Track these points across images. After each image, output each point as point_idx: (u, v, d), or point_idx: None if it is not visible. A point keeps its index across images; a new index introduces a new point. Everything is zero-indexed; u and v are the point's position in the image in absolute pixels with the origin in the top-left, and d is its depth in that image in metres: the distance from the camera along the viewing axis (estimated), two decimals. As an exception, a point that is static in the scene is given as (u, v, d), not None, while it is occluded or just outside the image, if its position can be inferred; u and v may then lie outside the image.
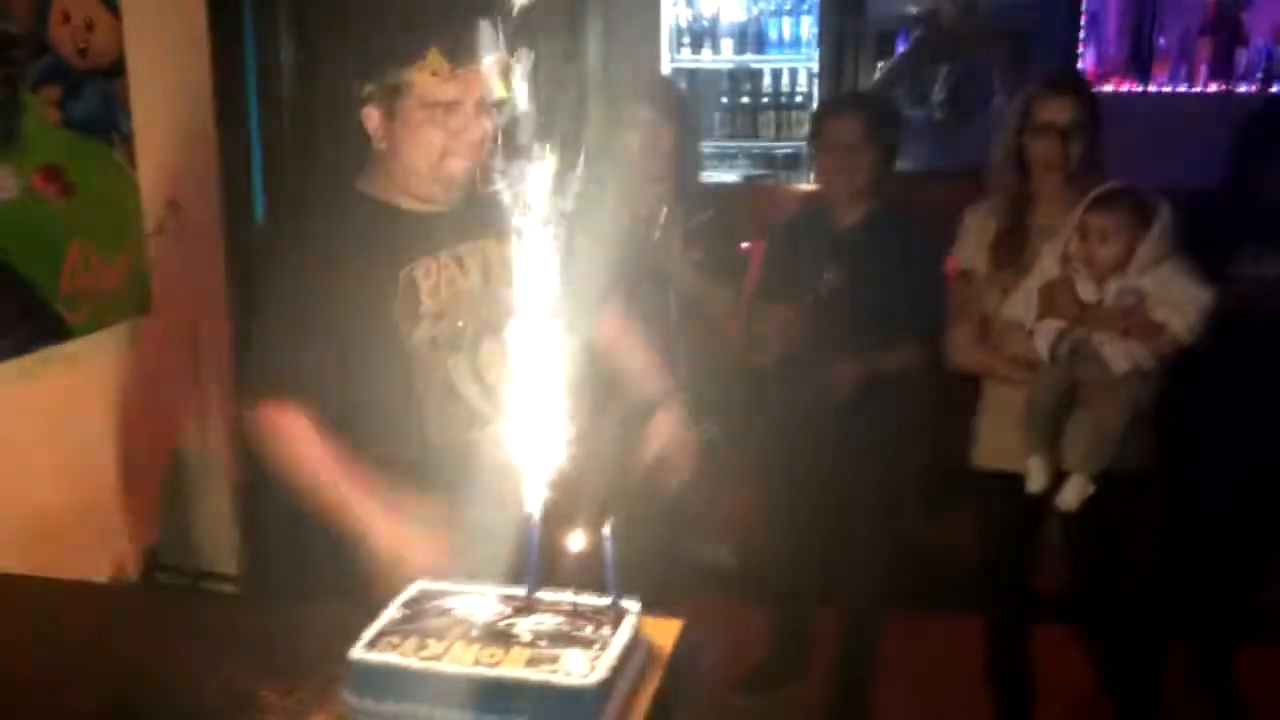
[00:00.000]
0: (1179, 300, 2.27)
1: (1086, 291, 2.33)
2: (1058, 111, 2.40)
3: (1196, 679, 2.96)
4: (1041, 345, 2.37)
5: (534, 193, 1.53)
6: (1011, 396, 2.44)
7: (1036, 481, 2.40)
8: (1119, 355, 2.31)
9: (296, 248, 1.91)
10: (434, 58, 1.80)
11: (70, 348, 2.18)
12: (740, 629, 3.04)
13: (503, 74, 1.85)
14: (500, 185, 1.93)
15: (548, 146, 1.46)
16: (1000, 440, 2.49)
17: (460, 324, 1.91)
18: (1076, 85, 2.53)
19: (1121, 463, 2.37)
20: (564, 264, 1.43)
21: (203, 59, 2.55)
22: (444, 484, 1.90)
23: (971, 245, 2.53)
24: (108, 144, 2.25)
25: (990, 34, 4.06)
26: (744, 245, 2.98)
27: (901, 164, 4.10)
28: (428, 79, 1.81)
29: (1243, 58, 4.93)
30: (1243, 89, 4.83)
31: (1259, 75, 4.82)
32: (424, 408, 1.90)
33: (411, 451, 1.91)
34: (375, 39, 2.34)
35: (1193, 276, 2.28)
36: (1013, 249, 2.44)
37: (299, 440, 1.82)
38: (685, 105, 2.94)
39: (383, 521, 1.79)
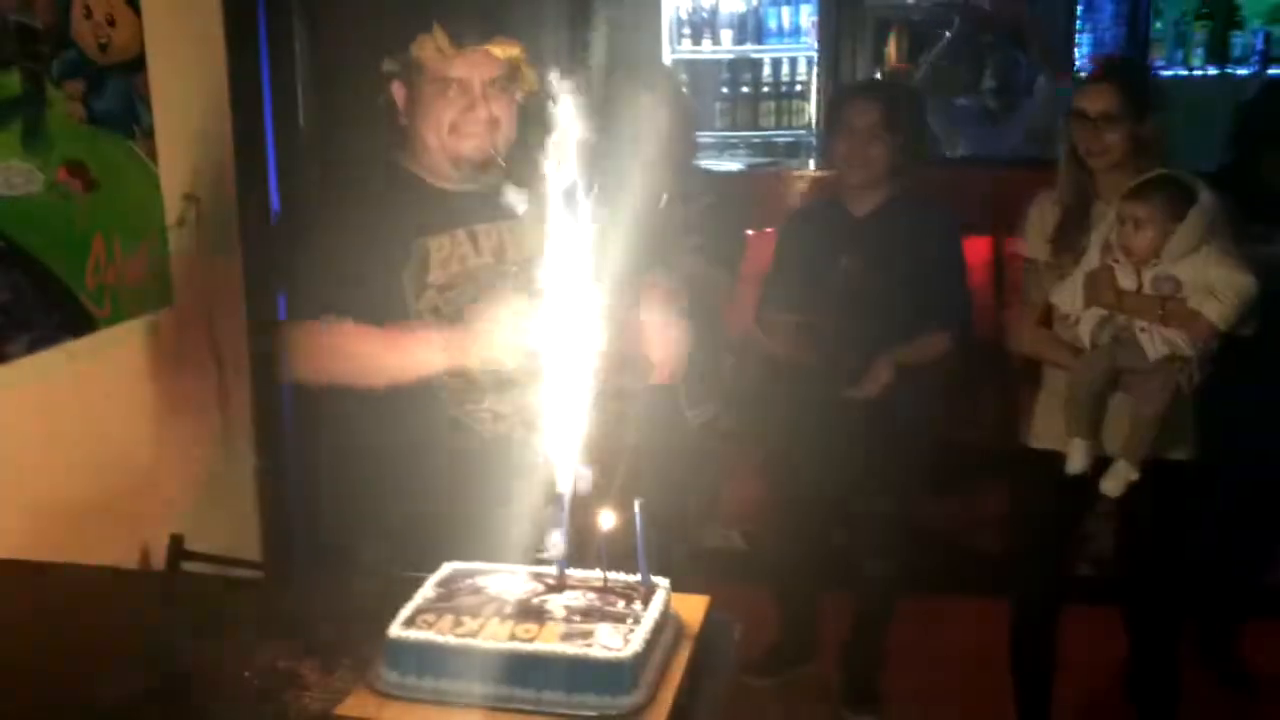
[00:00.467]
0: (1216, 287, 2.30)
1: (1126, 279, 2.37)
2: (1091, 100, 2.45)
3: (1201, 654, 3.01)
4: (1083, 332, 2.42)
5: (551, 178, 1.58)
6: (1063, 381, 2.51)
7: (1076, 463, 2.45)
8: (1155, 342, 2.35)
9: (332, 203, 2.04)
10: (438, 34, 1.90)
11: (95, 339, 2.21)
12: (751, 612, 3.07)
13: (526, 65, 1.93)
14: (520, 169, 2.01)
15: (556, 135, 1.51)
16: (1049, 422, 2.55)
17: (470, 296, 1.96)
18: (1116, 74, 2.55)
19: (1165, 450, 2.42)
20: (585, 245, 1.46)
21: (219, 54, 2.58)
22: (453, 453, 1.96)
23: (1034, 233, 2.58)
24: (129, 138, 2.28)
25: (1032, 18, 4.05)
26: (748, 233, 3.01)
27: (952, 151, 4.14)
28: (435, 55, 1.90)
29: (1238, 41, 4.96)
30: (1241, 72, 4.86)
31: (1256, 58, 4.84)
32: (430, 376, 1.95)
33: (426, 416, 1.98)
34: (390, 19, 2.42)
35: (1232, 263, 2.31)
36: (1072, 237, 2.49)
37: (343, 330, 1.88)
38: (680, 91, 2.96)
39: (451, 332, 1.88)
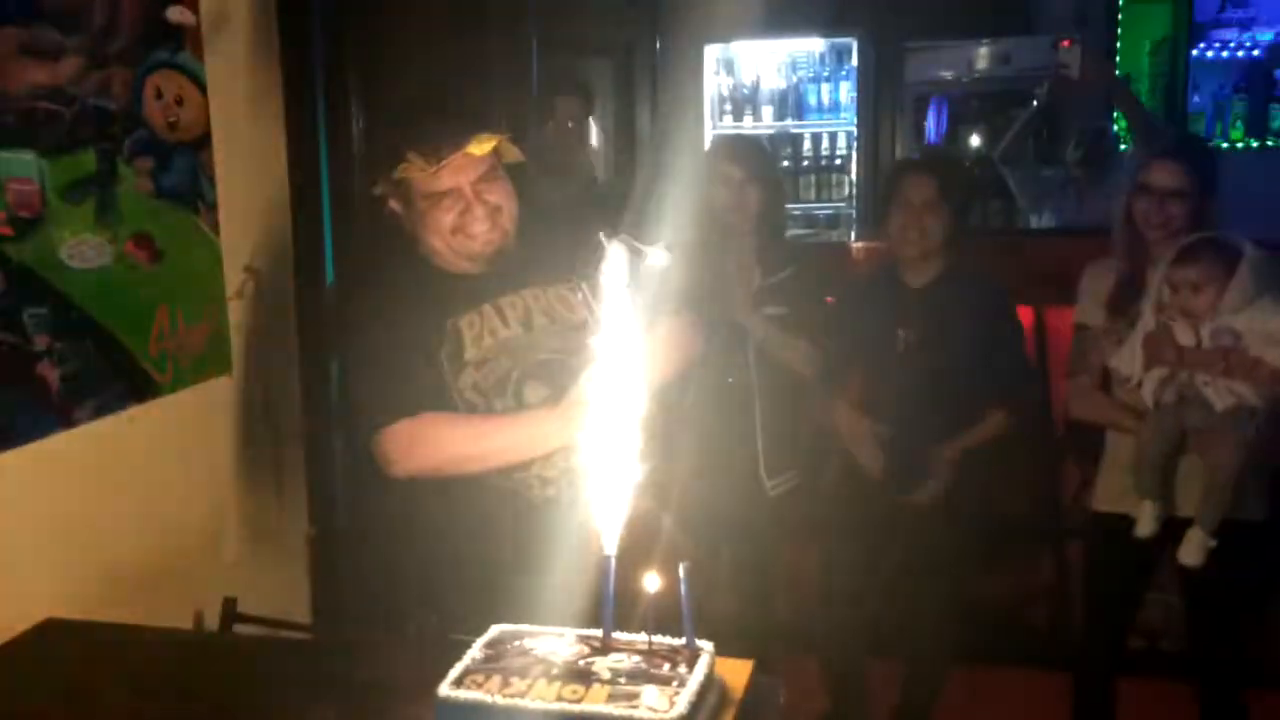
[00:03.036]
0: (1275, 335, 2.32)
1: (1185, 337, 2.40)
2: (1159, 176, 2.51)
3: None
4: (1147, 393, 2.43)
5: (601, 257, 1.63)
6: (1128, 444, 2.52)
7: (1146, 526, 2.45)
8: (1221, 392, 2.36)
9: (370, 300, 2.10)
10: (414, 159, 1.94)
11: (156, 405, 2.27)
12: (799, 680, 3.06)
13: (505, 144, 1.99)
14: (536, 238, 2.07)
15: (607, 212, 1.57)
16: (1113, 486, 2.56)
17: (506, 368, 2.02)
18: (1187, 153, 2.63)
19: (1239, 512, 2.41)
20: (623, 312, 1.50)
21: (279, 134, 2.68)
22: (505, 518, 2.00)
23: (1089, 300, 2.62)
24: (194, 212, 2.37)
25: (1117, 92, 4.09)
26: (829, 300, 3.05)
27: (1037, 222, 4.16)
28: (420, 175, 1.95)
29: (1276, 115, 4.99)
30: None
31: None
32: None
33: (476, 489, 2.03)
34: (374, 143, 2.51)
35: None
36: (1126, 303, 2.52)
37: (442, 425, 1.98)
38: (773, 166, 3.03)
39: (546, 409, 1.96)
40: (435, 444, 1.98)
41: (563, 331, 2.05)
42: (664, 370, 2.08)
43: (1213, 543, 2.38)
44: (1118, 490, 2.55)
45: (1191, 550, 2.40)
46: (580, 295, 2.05)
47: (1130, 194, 2.56)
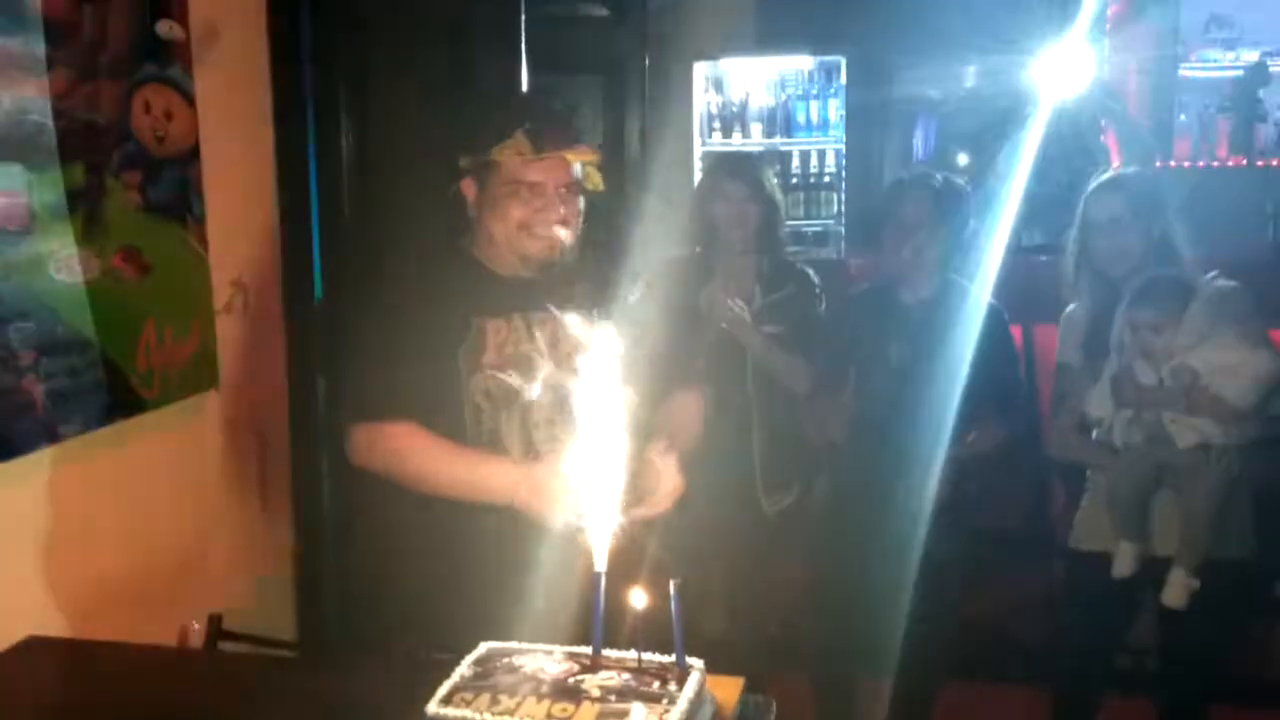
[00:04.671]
0: (1231, 369, 2.32)
1: (1146, 377, 2.41)
2: (1098, 209, 2.51)
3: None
4: (1115, 434, 2.44)
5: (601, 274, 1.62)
6: (1105, 484, 2.53)
7: (1123, 567, 2.46)
8: (1184, 431, 2.37)
9: (393, 290, 2.10)
10: (519, 139, 1.97)
11: (143, 420, 2.26)
12: (791, 697, 3.04)
13: (597, 167, 2.03)
14: (581, 265, 2.09)
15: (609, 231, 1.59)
16: (1093, 524, 2.56)
17: (519, 383, 2.01)
18: (1124, 183, 2.61)
19: (1222, 551, 2.40)
20: (631, 343, 1.51)
21: (268, 148, 2.68)
22: (483, 539, 2.00)
23: (1067, 342, 2.64)
24: (182, 226, 2.36)
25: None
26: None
27: (1030, 240, 4.16)
28: (514, 159, 1.97)
29: (1261, 133, 5.03)
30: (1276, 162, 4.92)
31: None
32: None
33: (453, 508, 2.01)
34: (469, 119, 2.53)
35: (1248, 343, 2.34)
36: (1099, 344, 2.53)
37: (411, 439, 1.99)
38: (772, 184, 3.05)
39: (515, 466, 1.96)
40: (398, 457, 2.00)
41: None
42: (680, 443, 2.08)
43: (1195, 583, 2.38)
44: (1097, 528, 2.55)
45: (1174, 592, 2.39)
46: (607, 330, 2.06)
47: (1081, 231, 2.56)
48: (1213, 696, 2.60)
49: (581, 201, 2.07)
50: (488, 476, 1.96)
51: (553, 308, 2.05)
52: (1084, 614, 2.67)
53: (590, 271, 2.13)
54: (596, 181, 2.10)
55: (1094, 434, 2.54)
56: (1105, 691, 2.70)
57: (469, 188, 2.08)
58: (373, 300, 2.11)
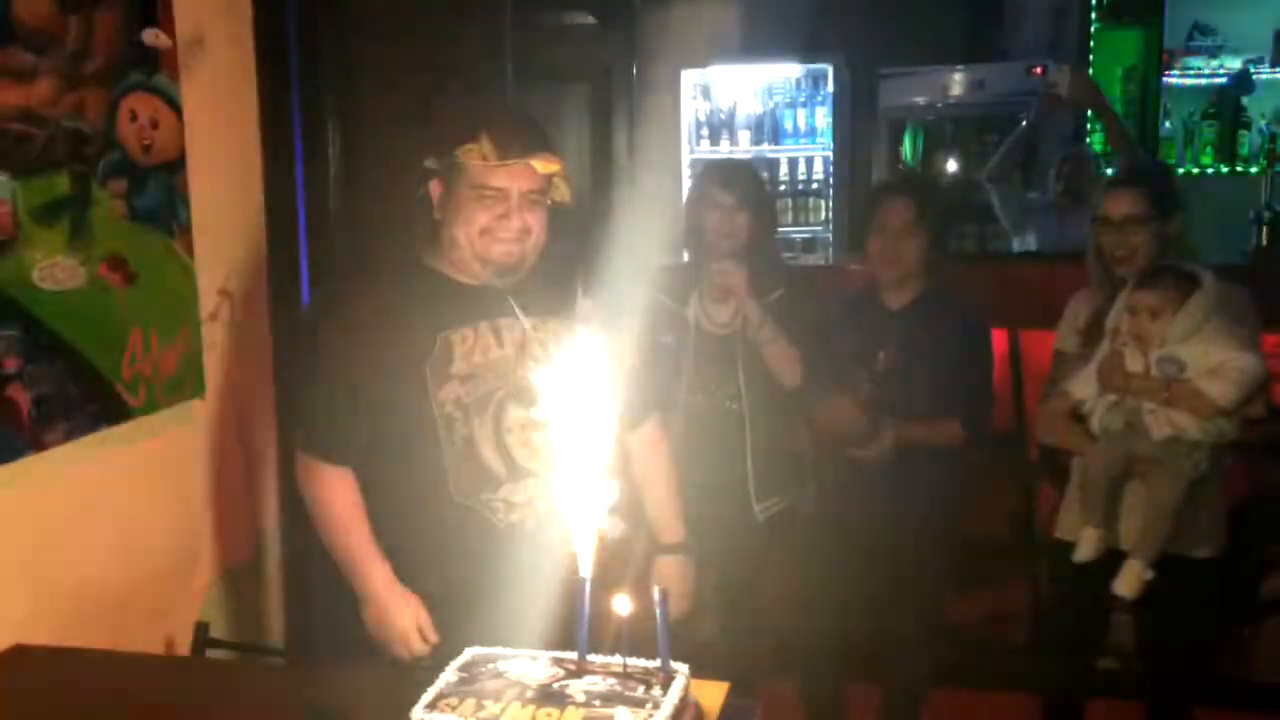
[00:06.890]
0: (1217, 368, 2.33)
1: (1133, 363, 2.41)
2: (1115, 205, 2.54)
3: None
4: (1095, 418, 2.45)
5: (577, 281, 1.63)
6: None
7: (1083, 552, 2.46)
8: (1160, 422, 2.37)
9: (349, 310, 2.09)
10: (484, 142, 1.96)
11: (128, 428, 2.26)
12: (777, 703, 3.05)
13: (562, 179, 2.03)
14: (548, 271, 2.09)
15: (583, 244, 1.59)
16: (1075, 513, 2.57)
17: (491, 387, 2.02)
18: (1144, 179, 2.65)
19: (1184, 548, 2.41)
20: (600, 349, 1.51)
21: (255, 156, 2.68)
22: (467, 539, 2.00)
23: (1067, 326, 2.67)
24: (168, 234, 2.36)
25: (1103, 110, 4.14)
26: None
27: (1019, 245, 4.21)
28: (478, 163, 1.95)
29: (1245, 140, 5.07)
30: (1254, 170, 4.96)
31: (1262, 157, 4.95)
32: (446, 464, 2.02)
33: (440, 506, 2.03)
34: (438, 120, 2.53)
35: (1236, 344, 2.35)
36: (1099, 331, 2.55)
37: (333, 495, 2.05)
38: (764, 192, 3.03)
39: (380, 590, 2.03)
40: (316, 503, 2.08)
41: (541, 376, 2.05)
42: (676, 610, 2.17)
43: (1149, 575, 2.38)
44: (1074, 518, 2.57)
45: (1126, 581, 2.39)
46: (576, 334, 2.07)
47: (1095, 226, 2.59)
48: (1195, 699, 2.61)
49: (545, 211, 2.06)
50: (360, 574, 2.05)
51: (519, 312, 2.06)
52: (1063, 605, 2.68)
53: (558, 276, 2.14)
54: (563, 193, 2.09)
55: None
56: (1089, 695, 2.71)
57: (435, 189, 2.07)
58: (336, 318, 2.10)
